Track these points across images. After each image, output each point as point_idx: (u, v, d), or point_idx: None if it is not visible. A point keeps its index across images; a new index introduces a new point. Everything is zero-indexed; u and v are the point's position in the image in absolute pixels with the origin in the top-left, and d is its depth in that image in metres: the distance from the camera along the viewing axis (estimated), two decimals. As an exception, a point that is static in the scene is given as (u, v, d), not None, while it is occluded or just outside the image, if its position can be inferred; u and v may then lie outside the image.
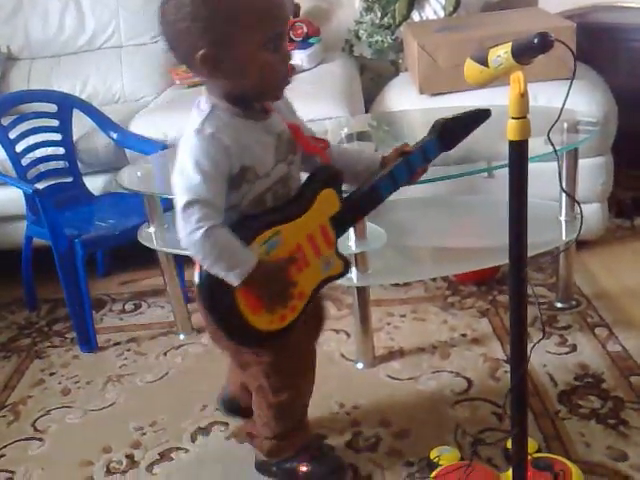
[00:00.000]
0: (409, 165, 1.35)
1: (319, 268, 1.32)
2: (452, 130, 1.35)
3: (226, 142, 1.18)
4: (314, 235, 1.29)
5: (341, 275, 1.37)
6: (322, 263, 1.32)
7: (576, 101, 2.02)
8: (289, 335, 1.31)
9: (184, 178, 1.17)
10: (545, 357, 1.82)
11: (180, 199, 1.16)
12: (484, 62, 1.06)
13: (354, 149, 1.44)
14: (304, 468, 1.51)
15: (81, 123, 2.46)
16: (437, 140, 1.35)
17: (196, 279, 1.24)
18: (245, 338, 1.28)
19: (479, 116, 1.35)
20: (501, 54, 1.03)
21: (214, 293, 1.22)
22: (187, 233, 1.16)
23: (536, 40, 0.98)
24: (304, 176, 1.33)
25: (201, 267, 1.22)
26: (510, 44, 1.02)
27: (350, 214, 1.34)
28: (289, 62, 1.20)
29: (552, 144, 1.14)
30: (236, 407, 1.64)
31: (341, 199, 1.32)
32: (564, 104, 1.06)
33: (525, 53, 1.01)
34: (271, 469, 1.54)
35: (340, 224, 1.33)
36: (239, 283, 1.18)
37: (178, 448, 1.68)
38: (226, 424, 1.73)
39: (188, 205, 1.15)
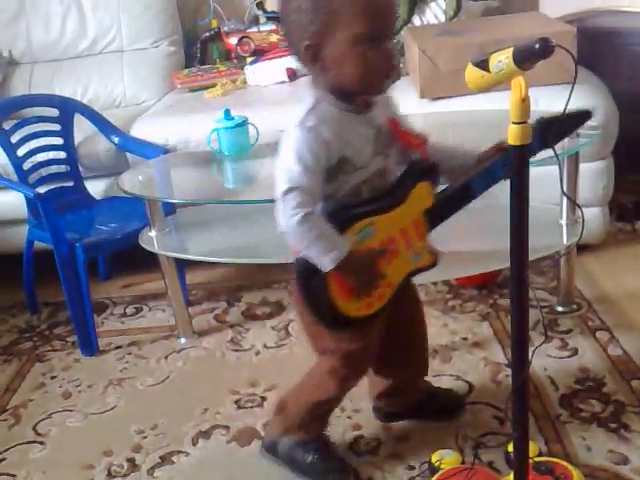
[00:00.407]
0: (506, 162, 1.33)
1: (408, 259, 1.35)
2: (554, 129, 1.32)
3: (326, 135, 1.23)
4: (407, 227, 1.33)
5: (430, 267, 1.40)
6: (412, 254, 1.35)
7: (577, 105, 2.00)
8: (374, 323, 1.37)
9: (286, 169, 1.24)
10: (546, 361, 1.82)
11: (281, 186, 1.23)
12: (485, 67, 1.06)
13: (451, 144, 1.49)
14: (310, 458, 1.52)
15: (82, 127, 2.47)
16: (539, 138, 1.31)
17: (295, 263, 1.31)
18: (333, 322, 1.34)
19: (581, 117, 1.34)
20: (502, 59, 1.03)
21: (308, 276, 1.28)
22: (285, 218, 1.23)
23: (537, 46, 0.98)
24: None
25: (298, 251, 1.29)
26: (511, 50, 1.02)
27: (443, 209, 1.35)
28: (391, 61, 1.23)
29: (554, 149, 1.14)
30: (383, 413, 1.69)
31: (435, 193, 1.35)
32: (565, 109, 1.06)
33: (526, 59, 1.01)
34: (278, 451, 1.56)
35: (433, 218, 1.35)
36: (330, 268, 1.24)
37: (179, 451, 1.68)
38: (227, 427, 1.73)
39: (288, 192, 1.22)
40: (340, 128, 1.26)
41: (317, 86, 1.29)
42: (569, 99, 1.05)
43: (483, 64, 1.07)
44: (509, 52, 1.02)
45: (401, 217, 1.31)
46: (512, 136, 1.05)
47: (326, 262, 1.24)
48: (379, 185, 1.32)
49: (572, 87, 1.04)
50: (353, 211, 1.29)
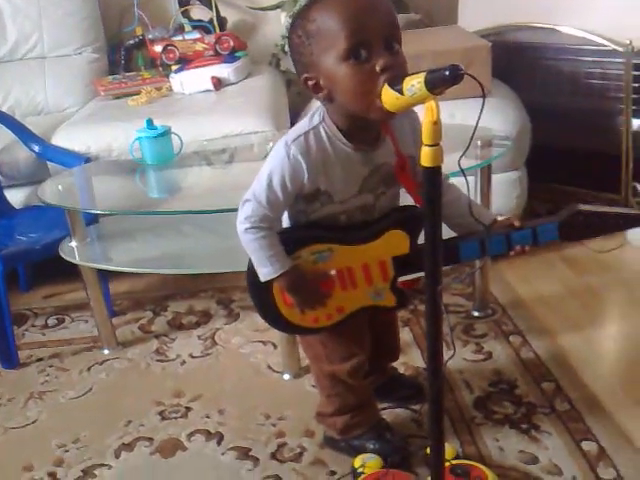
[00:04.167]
0: (509, 240, 1.31)
1: (367, 294, 1.37)
2: (581, 224, 1.24)
3: (305, 166, 1.25)
4: (370, 265, 1.34)
5: (392, 309, 1.43)
6: (372, 291, 1.37)
7: (490, 118, 2.09)
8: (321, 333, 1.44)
9: (257, 179, 1.29)
10: (462, 364, 1.88)
11: (246, 193, 1.30)
12: (400, 90, 1.10)
13: (474, 203, 1.45)
14: (372, 446, 1.55)
15: (2, 135, 2.42)
16: (556, 227, 1.26)
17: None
18: (276, 324, 1.44)
19: (629, 221, 1.22)
20: (415, 84, 1.05)
21: (255, 277, 1.33)
22: (238, 222, 1.31)
23: (447, 73, 1.00)
24: None
25: None
26: (424, 74, 1.03)
27: (418, 262, 1.19)
28: (386, 72, 1.13)
29: (463, 172, 1.15)
30: None
31: (412, 244, 1.32)
32: (476, 127, 1.08)
33: (437, 85, 1.02)
34: (339, 444, 1.59)
35: (405, 266, 1.34)
36: (263, 281, 1.32)
37: (101, 465, 1.66)
38: (151, 439, 1.73)
39: (246, 201, 1.30)
40: (326, 162, 1.26)
41: (328, 110, 1.26)
42: (479, 117, 1.08)
43: (398, 87, 1.10)
44: (421, 77, 1.04)
45: (365, 254, 1.34)
46: (425, 158, 1.06)
47: (261, 274, 1.32)
48: (360, 218, 1.34)
49: (481, 112, 1.04)
50: (317, 232, 1.32)
